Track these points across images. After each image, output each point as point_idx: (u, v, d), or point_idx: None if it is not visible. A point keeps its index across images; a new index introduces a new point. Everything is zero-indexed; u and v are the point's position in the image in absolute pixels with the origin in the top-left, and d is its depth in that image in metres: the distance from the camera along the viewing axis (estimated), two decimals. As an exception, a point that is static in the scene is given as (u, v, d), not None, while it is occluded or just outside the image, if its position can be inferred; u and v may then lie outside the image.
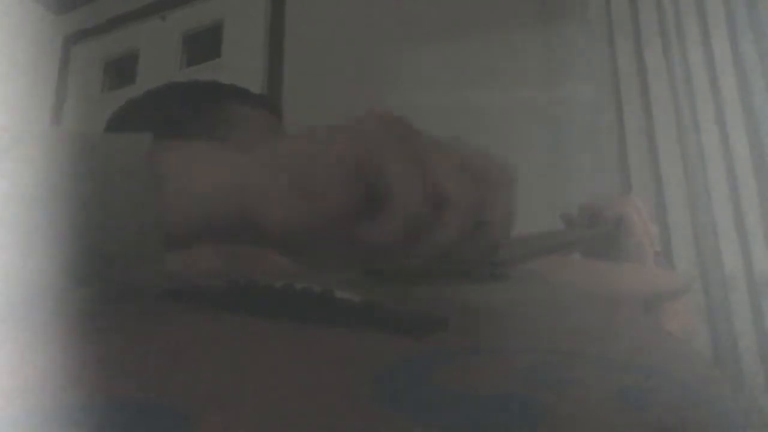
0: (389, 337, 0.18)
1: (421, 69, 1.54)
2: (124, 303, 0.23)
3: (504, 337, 0.20)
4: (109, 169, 0.23)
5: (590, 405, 0.13)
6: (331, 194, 0.25)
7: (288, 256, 0.29)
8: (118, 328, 0.19)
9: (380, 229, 0.24)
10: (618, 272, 0.39)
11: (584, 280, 0.33)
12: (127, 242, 0.23)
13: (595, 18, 1.34)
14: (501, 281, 0.31)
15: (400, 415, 0.12)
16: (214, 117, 0.59)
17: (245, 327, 0.19)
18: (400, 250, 0.25)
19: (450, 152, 0.28)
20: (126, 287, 0.23)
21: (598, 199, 0.61)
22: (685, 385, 0.15)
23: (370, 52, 1.63)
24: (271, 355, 0.17)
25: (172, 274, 0.24)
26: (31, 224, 0.22)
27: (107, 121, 0.64)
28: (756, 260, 1.07)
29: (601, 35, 1.32)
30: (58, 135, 0.25)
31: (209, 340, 0.18)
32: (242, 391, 0.13)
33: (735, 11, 1.20)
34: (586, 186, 1.25)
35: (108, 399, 0.12)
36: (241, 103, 0.62)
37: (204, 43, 1.97)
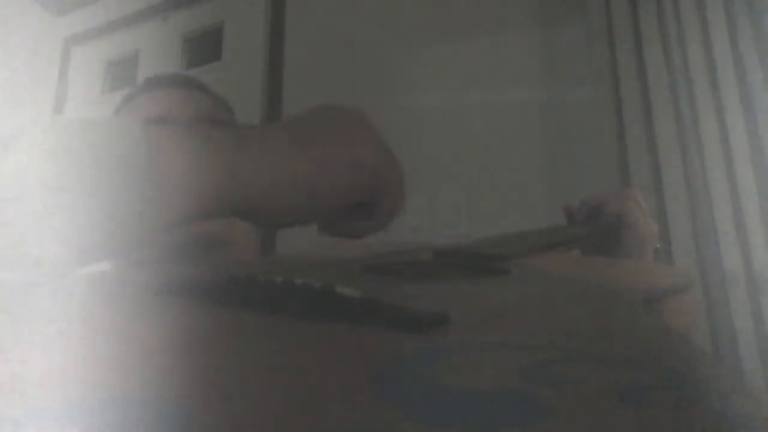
0: (389, 332, 0.18)
1: (421, 69, 1.54)
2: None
3: (504, 334, 0.19)
4: (108, 155, 0.24)
5: (591, 403, 0.13)
6: (333, 199, 0.30)
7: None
8: (117, 326, 0.19)
9: (370, 227, 0.33)
10: (618, 268, 0.39)
11: (585, 276, 0.33)
12: (127, 225, 0.24)
13: (595, 18, 1.34)
14: (501, 277, 0.31)
15: (400, 411, 0.12)
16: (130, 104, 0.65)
17: (245, 322, 0.19)
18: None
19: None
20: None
21: (598, 194, 0.60)
22: (687, 383, 0.15)
23: (370, 52, 1.63)
24: (271, 351, 0.16)
25: (170, 270, 0.25)
26: (36, 208, 0.22)
27: None
28: (755, 258, 1.07)
29: (601, 35, 1.32)
30: (60, 121, 0.26)
31: (208, 335, 0.18)
32: (241, 386, 0.13)
33: (735, 11, 1.20)
34: (586, 186, 1.25)
35: (108, 397, 0.12)
36: (154, 88, 0.64)
37: (204, 45, 1.98)
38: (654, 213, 1.12)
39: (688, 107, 1.20)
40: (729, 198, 1.12)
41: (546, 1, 1.47)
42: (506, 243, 0.41)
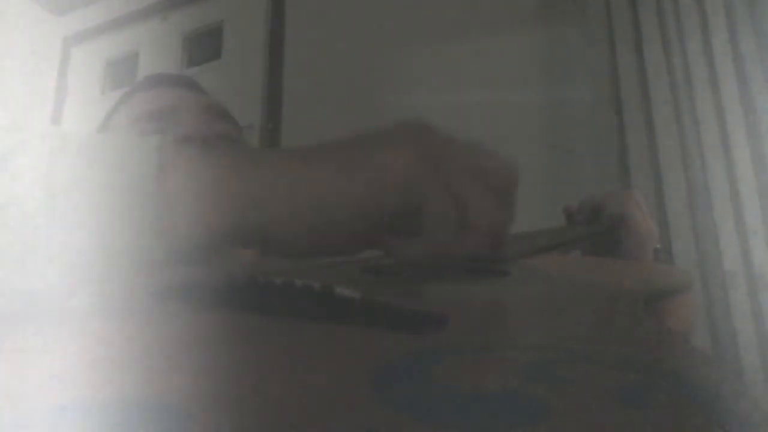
0: (389, 334, 0.18)
1: (421, 70, 1.54)
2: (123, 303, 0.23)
3: (504, 334, 0.19)
4: (120, 174, 0.23)
5: (590, 403, 0.13)
6: (357, 227, 0.26)
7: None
8: (118, 328, 0.19)
9: (416, 250, 0.26)
10: (618, 269, 0.39)
11: (585, 277, 0.33)
12: (133, 247, 0.23)
13: (595, 18, 1.34)
14: (502, 278, 0.31)
15: (401, 412, 0.12)
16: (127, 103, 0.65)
17: (244, 324, 0.19)
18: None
19: (473, 167, 0.29)
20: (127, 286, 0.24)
21: (599, 195, 0.60)
22: (686, 383, 0.15)
23: (369, 52, 1.63)
24: (271, 352, 0.17)
25: (170, 272, 0.25)
26: (37, 225, 0.22)
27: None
28: (755, 258, 1.07)
29: (601, 35, 1.32)
30: (67, 136, 0.25)
31: (209, 337, 0.18)
32: (242, 388, 0.13)
33: (735, 11, 1.20)
34: (586, 186, 1.25)
35: (108, 399, 0.12)
36: (147, 88, 0.65)
37: (204, 44, 1.98)
38: (654, 213, 1.12)
39: (688, 107, 1.20)
40: (729, 198, 1.12)
41: (546, 1, 1.47)
42: (506, 244, 0.41)
